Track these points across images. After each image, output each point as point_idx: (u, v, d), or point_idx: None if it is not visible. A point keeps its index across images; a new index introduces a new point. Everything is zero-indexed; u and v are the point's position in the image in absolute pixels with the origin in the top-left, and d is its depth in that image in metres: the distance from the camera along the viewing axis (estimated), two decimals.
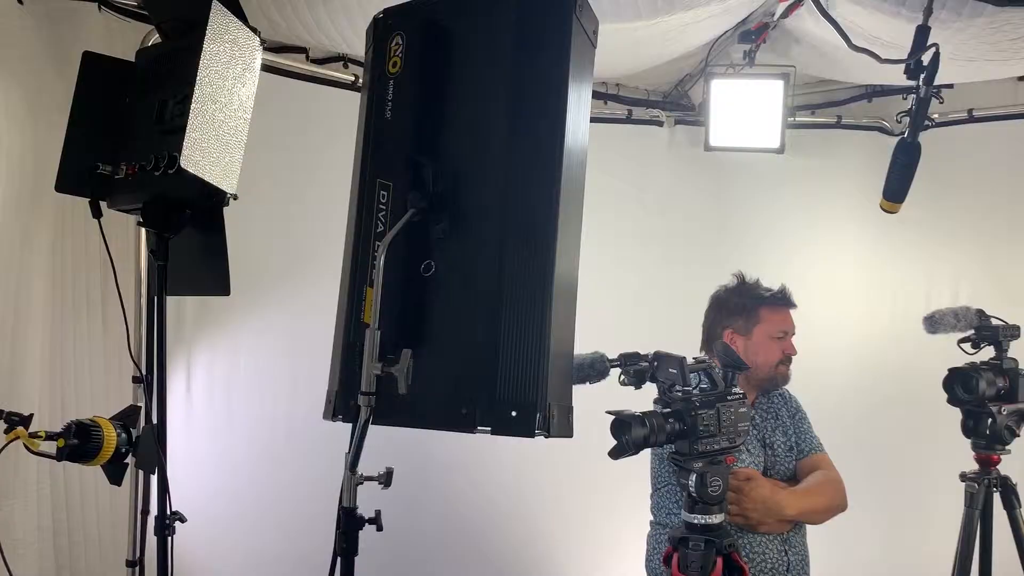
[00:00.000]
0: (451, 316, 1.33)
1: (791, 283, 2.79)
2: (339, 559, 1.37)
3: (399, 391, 1.24)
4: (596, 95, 3.68)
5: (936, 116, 3.53)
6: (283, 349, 3.18)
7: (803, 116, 3.73)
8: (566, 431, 1.37)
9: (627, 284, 3.58)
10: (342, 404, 1.41)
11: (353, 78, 3.23)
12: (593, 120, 3.46)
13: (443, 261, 1.34)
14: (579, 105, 1.43)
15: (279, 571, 3.08)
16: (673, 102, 3.82)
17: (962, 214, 3.51)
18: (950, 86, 3.46)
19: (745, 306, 2.44)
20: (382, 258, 1.26)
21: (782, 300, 2.46)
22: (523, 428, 1.26)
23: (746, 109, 3.43)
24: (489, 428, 1.28)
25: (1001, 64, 2.94)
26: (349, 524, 1.35)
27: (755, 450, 2.39)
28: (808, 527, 2.43)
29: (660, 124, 3.73)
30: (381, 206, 1.38)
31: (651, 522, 2.45)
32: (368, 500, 1.44)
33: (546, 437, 1.29)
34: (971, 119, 3.50)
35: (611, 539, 3.41)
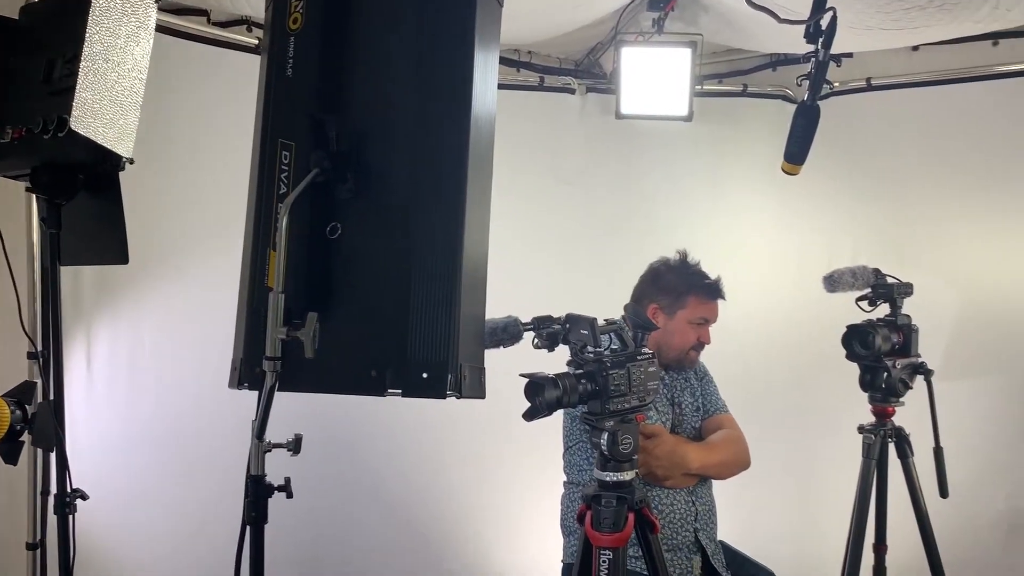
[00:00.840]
0: (359, 279, 1.30)
1: (699, 248, 2.85)
2: (248, 528, 1.35)
3: (306, 355, 1.22)
4: (508, 62, 3.66)
5: (837, 84, 3.65)
6: (189, 319, 3.09)
7: (711, 85, 3.79)
8: (478, 392, 1.37)
9: (539, 250, 3.60)
10: (248, 372, 1.38)
11: (256, 42, 3.13)
12: (505, 87, 3.45)
13: (350, 223, 1.31)
14: (486, 66, 1.41)
15: (189, 545, 3.03)
16: (585, 70, 3.84)
17: (861, 178, 3.64)
18: (849, 55, 3.59)
19: (676, 288, 2.47)
20: (284, 220, 1.23)
21: (713, 292, 2.49)
22: (435, 390, 1.26)
23: (655, 77, 3.46)
24: (400, 391, 1.27)
25: (896, 33, 3.05)
26: (258, 492, 1.32)
27: (664, 408, 2.45)
28: (715, 482, 2.52)
29: (572, 92, 3.73)
30: (283, 167, 1.34)
31: (564, 482, 2.50)
32: (282, 469, 1.41)
33: (458, 398, 1.29)
34: (869, 87, 3.61)
35: (528, 500, 3.45)
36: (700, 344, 2.49)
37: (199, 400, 3.02)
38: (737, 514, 2.92)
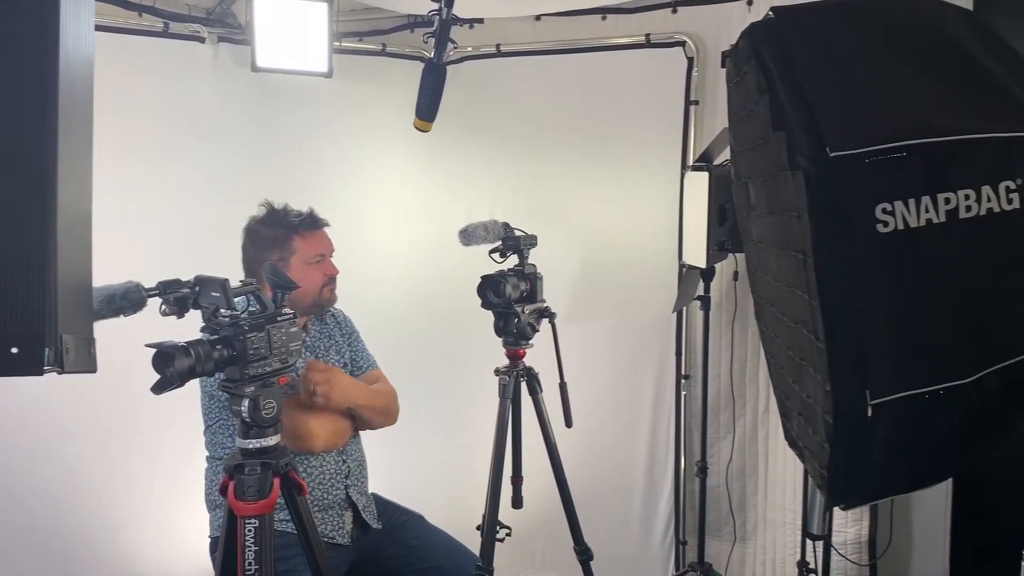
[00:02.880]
0: None
1: (342, 206, 2.82)
2: None
3: None
4: (128, 5, 3.30)
5: (470, 49, 3.82)
6: None
7: (351, 42, 3.77)
8: (87, 366, 1.23)
9: (169, 210, 3.33)
10: None
11: None
12: (124, 31, 3.13)
13: None
14: (78, 5, 1.24)
15: None
16: (217, 19, 3.59)
17: (495, 137, 3.84)
18: (481, 21, 3.77)
19: (277, 237, 2.41)
20: None
21: (312, 224, 2.46)
22: (28, 365, 1.10)
23: (292, 31, 3.36)
24: None
25: (520, 3, 3.26)
26: None
27: None
28: (367, 436, 2.55)
29: (202, 41, 3.48)
30: None
31: (207, 457, 2.38)
32: None
33: (60, 373, 1.15)
34: (499, 53, 3.82)
35: (170, 477, 3.23)
36: (330, 279, 2.47)
37: None
38: (390, 465, 3.00)
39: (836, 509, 3.33)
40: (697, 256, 3.07)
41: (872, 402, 1.63)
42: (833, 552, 3.16)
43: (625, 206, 3.69)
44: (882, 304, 1.63)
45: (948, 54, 1.76)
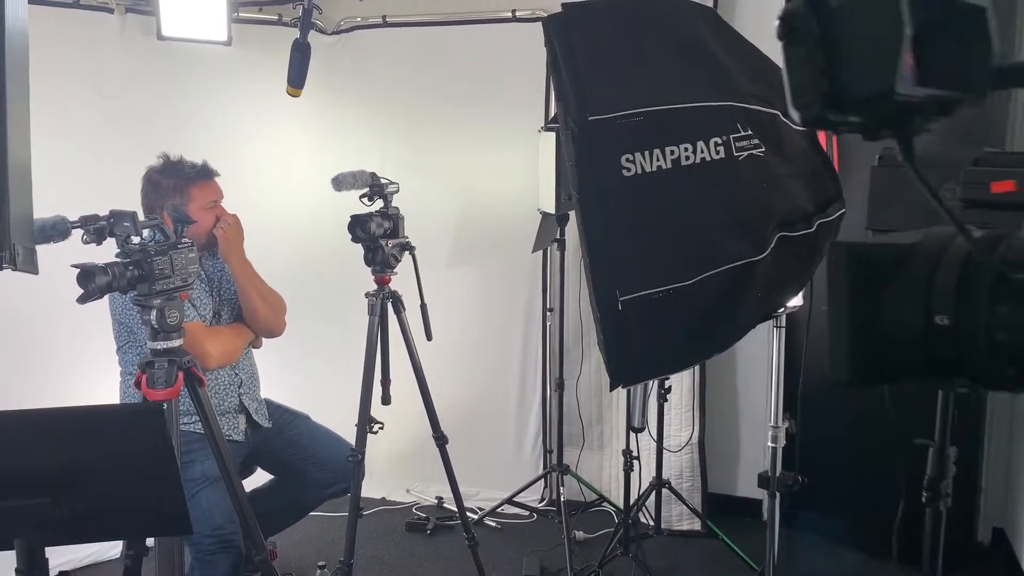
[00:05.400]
0: None
1: (246, 167, 3.16)
2: None
3: None
4: None
5: (359, 19, 4.25)
6: None
7: (249, 12, 4.12)
8: (32, 268, 1.69)
9: (84, 162, 3.68)
10: None
11: None
12: (34, 2, 3.52)
13: None
14: None
15: None
16: None
17: (385, 100, 4.27)
18: None
19: (177, 187, 2.85)
20: None
21: (206, 174, 2.92)
22: None
23: (195, 1, 3.70)
24: None
25: None
26: None
27: (204, 300, 2.89)
28: (263, 352, 3.05)
29: (111, 11, 3.79)
30: None
31: (120, 372, 2.85)
32: None
33: (13, 270, 1.61)
34: (385, 24, 4.25)
35: (85, 384, 3.49)
36: (219, 219, 2.92)
37: None
38: (284, 376, 3.49)
39: (668, 413, 3.95)
40: (550, 204, 3.62)
41: (621, 299, 2.23)
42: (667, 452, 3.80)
43: (498, 161, 4.20)
44: (626, 227, 2.24)
45: (685, 41, 2.36)
